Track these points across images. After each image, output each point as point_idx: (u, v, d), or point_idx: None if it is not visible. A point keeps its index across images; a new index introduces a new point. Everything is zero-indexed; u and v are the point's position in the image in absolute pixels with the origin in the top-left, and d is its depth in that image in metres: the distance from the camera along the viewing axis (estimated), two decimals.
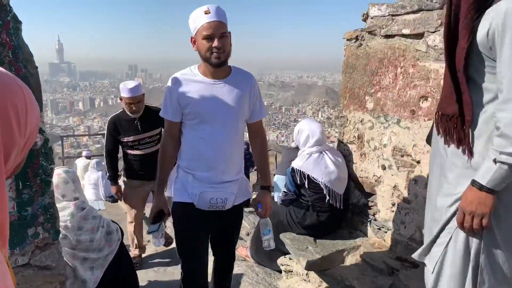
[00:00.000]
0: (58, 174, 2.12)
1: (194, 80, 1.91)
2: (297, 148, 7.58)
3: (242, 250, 3.18)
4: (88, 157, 8.42)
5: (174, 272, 3.02)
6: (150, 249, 3.87)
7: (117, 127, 3.25)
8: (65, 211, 2.02)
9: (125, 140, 3.25)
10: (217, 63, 1.81)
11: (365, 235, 2.90)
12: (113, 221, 2.44)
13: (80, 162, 8.13)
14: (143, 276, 2.99)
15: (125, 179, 3.49)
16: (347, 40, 2.87)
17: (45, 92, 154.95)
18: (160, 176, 2.02)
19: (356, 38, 2.80)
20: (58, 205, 2.05)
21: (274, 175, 8.65)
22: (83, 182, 7.66)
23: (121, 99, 3.26)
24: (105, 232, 2.20)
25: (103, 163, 8.50)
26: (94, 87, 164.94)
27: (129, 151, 3.31)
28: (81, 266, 2.07)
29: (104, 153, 3.43)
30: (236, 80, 1.96)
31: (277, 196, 3.26)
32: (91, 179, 7.46)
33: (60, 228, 2.01)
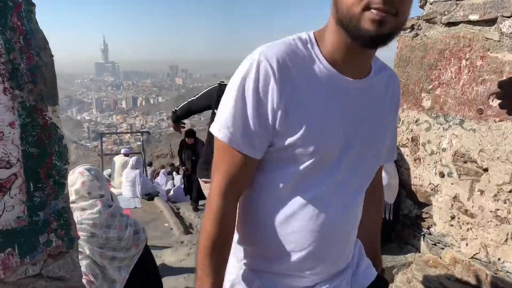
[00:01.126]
0: (81, 172, 2.04)
1: (311, 71, 0.88)
2: None
3: None
4: (126, 155, 8.50)
5: None
6: (182, 252, 3.72)
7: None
8: (93, 209, 1.92)
9: None
10: (376, 33, 0.77)
11: (418, 250, 2.57)
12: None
13: (118, 160, 8.22)
14: (173, 282, 2.83)
15: None
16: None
17: (91, 91, 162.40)
18: (215, 279, 0.94)
19: (412, 28, 2.48)
20: (85, 203, 1.95)
21: None
22: (121, 179, 7.73)
23: None
24: (133, 231, 2.06)
25: (141, 160, 8.58)
26: (137, 87, 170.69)
27: None
28: (110, 265, 1.96)
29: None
30: (380, 81, 0.98)
31: None
32: (129, 176, 7.51)
33: (88, 227, 1.89)
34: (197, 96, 3.09)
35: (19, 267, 1.30)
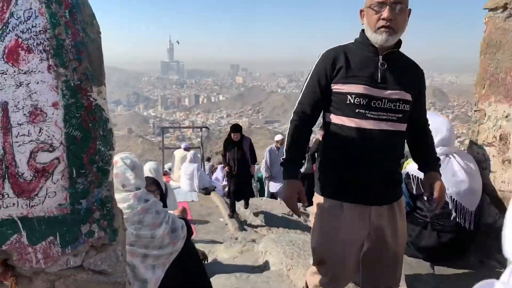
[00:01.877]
0: (115, 162, 1.90)
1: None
2: None
3: None
4: (186, 149, 8.65)
5: (257, 281, 2.69)
6: (235, 249, 3.61)
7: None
8: (124, 203, 1.81)
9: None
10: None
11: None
12: (183, 218, 2.19)
13: (178, 153, 8.39)
14: (223, 281, 2.71)
15: None
16: (490, 10, 2.20)
17: (157, 88, 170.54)
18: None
19: (504, 7, 2.12)
20: (117, 196, 1.86)
21: None
22: (180, 173, 7.88)
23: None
24: (169, 229, 1.94)
25: (198, 155, 8.70)
26: (199, 85, 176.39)
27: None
28: (141, 264, 1.85)
29: None
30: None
31: None
32: (187, 170, 7.62)
33: None
34: None
35: (60, 257, 1.23)
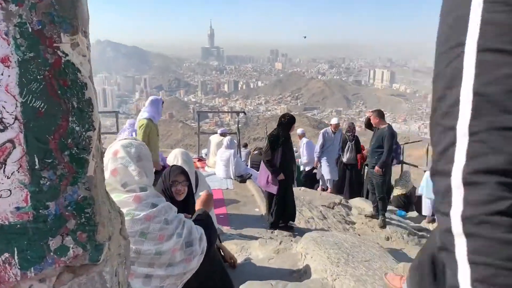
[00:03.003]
0: (114, 153, 1.48)
1: None
2: None
3: (395, 279, 2.23)
4: (222, 134, 8.34)
5: None
6: (271, 247, 3.21)
7: None
8: (123, 209, 1.40)
9: None
10: None
11: None
12: (204, 218, 1.78)
13: (214, 139, 8.09)
14: None
15: None
16: None
17: (197, 74, 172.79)
18: None
19: None
20: (115, 199, 1.46)
21: (425, 171, 7.19)
22: (215, 159, 7.58)
23: None
24: (183, 243, 1.52)
25: (235, 141, 8.36)
26: (239, 71, 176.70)
27: None
28: (145, 286, 1.45)
29: None
30: None
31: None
32: (223, 156, 7.31)
33: None
34: None
35: (20, 282, 0.88)
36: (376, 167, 5.42)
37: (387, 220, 5.83)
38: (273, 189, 4.79)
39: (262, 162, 4.97)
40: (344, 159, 7.67)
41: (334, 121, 7.76)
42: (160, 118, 5.48)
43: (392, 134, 5.46)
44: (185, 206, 2.46)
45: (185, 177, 2.44)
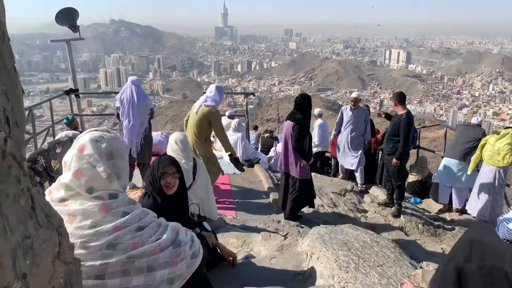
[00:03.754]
0: (81, 147, 1.21)
1: None
2: (479, 126, 5.45)
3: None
4: (230, 117, 8.06)
5: None
6: (275, 243, 2.96)
7: None
8: (86, 220, 1.14)
9: None
10: None
11: None
12: (202, 229, 1.52)
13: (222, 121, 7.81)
14: None
15: None
16: None
17: (210, 54, 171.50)
18: None
19: None
20: (79, 207, 1.20)
21: (442, 157, 6.81)
22: None
23: None
24: (167, 243, 1.28)
25: (243, 124, 8.07)
26: (252, 51, 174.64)
27: None
28: None
29: None
30: None
31: (504, 223, 1.79)
32: (230, 139, 7.04)
33: (77, 250, 1.16)
34: None
35: None
36: (394, 160, 5.11)
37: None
38: (307, 174, 4.68)
39: (284, 146, 4.71)
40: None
41: (353, 94, 6.63)
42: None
43: (409, 122, 5.09)
44: (177, 201, 2.21)
45: (175, 169, 2.17)
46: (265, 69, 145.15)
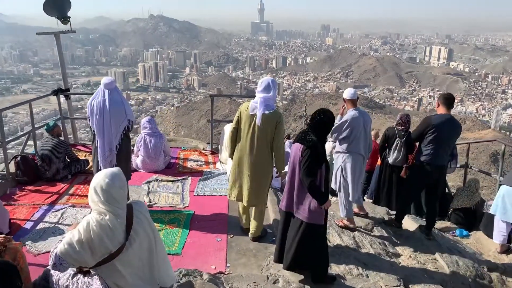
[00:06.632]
0: None
1: None
2: None
3: None
4: None
5: None
6: None
7: None
8: None
9: None
10: None
11: None
12: None
13: (228, 129, 6.71)
14: None
15: None
16: None
17: (246, 49, 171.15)
18: None
19: None
20: None
21: (500, 185, 5.36)
22: (228, 154, 6.23)
23: None
24: None
25: None
26: (288, 46, 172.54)
27: None
28: None
29: None
30: None
31: None
32: None
33: None
34: None
35: None
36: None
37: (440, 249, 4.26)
38: (319, 219, 3.29)
39: (290, 176, 3.37)
40: (390, 160, 5.98)
41: (346, 94, 4.60)
42: None
43: (426, 123, 4.46)
44: None
45: None
46: (300, 65, 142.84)
